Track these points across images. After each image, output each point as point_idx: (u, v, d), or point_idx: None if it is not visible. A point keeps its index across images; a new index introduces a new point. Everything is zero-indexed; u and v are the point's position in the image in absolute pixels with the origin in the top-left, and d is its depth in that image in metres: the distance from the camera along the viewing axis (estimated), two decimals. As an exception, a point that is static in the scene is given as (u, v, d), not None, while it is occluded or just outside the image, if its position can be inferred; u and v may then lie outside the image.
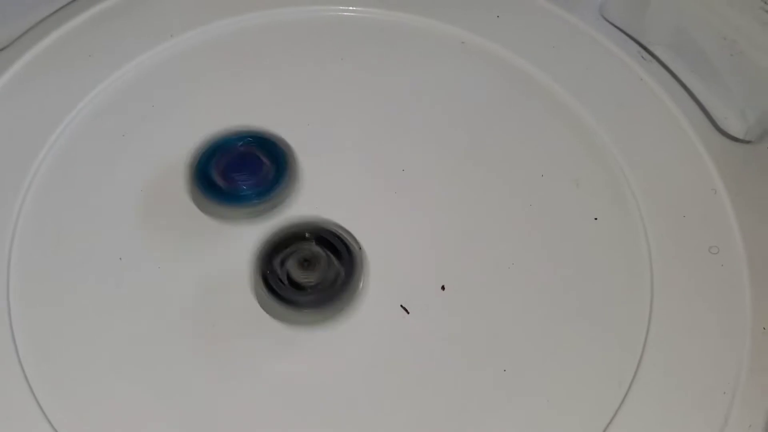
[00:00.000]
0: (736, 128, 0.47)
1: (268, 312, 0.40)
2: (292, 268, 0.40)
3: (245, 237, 0.41)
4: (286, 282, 0.40)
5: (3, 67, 0.46)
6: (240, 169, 0.43)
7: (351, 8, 0.50)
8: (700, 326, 0.40)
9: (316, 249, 0.41)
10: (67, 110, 0.45)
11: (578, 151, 0.46)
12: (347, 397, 0.39)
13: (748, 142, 0.46)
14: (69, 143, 0.44)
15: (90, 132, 0.45)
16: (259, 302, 0.40)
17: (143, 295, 0.40)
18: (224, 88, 0.47)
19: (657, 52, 0.49)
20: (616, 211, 0.44)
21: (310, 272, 0.40)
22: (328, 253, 0.41)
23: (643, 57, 0.48)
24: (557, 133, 0.46)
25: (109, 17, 0.48)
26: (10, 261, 0.41)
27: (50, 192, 0.43)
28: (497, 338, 0.40)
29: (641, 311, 0.41)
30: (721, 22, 0.49)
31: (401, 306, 0.41)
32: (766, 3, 0.47)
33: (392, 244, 0.43)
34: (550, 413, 0.38)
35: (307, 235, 0.41)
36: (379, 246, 0.42)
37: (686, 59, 0.50)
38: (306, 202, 0.43)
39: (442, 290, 0.41)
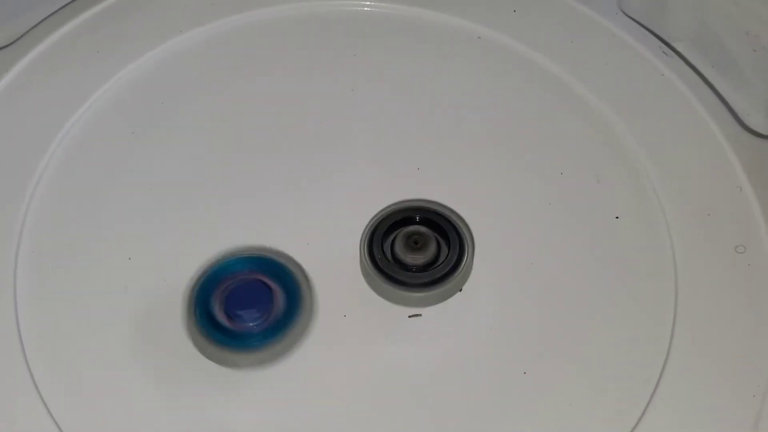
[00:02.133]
0: (760, 124, 0.46)
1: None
2: None
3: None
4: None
5: (10, 63, 0.45)
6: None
7: (366, 3, 0.49)
8: (727, 327, 0.39)
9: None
10: (76, 107, 0.44)
11: (598, 148, 0.44)
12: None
13: (773, 137, 0.45)
14: (77, 141, 0.44)
15: (98, 130, 0.44)
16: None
17: (149, 295, 0.40)
18: (235, 84, 0.46)
19: (678, 47, 0.48)
20: (638, 210, 0.43)
21: None
22: None
23: (664, 52, 0.47)
24: (576, 130, 0.45)
25: (117, 13, 0.47)
26: (17, 259, 0.40)
27: (58, 190, 0.42)
28: (517, 339, 0.39)
29: (666, 312, 0.40)
30: (744, 15, 0.47)
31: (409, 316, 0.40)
32: (790, -4, 0.46)
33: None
34: (574, 415, 0.37)
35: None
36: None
37: (708, 54, 0.48)
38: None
39: (459, 291, 0.40)
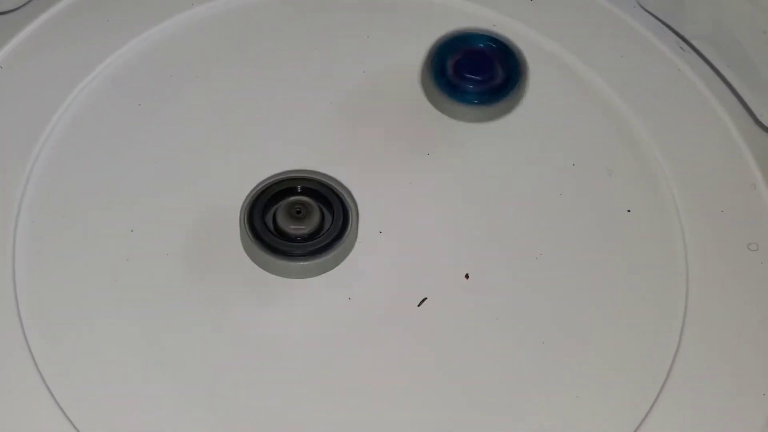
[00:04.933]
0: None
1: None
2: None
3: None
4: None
5: (16, 28, 0.44)
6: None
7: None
8: (738, 326, 0.39)
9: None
10: (82, 76, 0.43)
11: (612, 141, 0.44)
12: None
13: (788, 137, 0.44)
14: (82, 111, 0.43)
15: (104, 100, 0.43)
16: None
17: (152, 270, 0.39)
18: (243, 59, 0.45)
19: (695, 44, 0.47)
20: (650, 204, 0.42)
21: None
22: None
23: (681, 47, 0.46)
24: (590, 122, 0.45)
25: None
26: (16, 230, 0.39)
27: (60, 161, 0.41)
28: (523, 331, 0.39)
29: (676, 309, 0.39)
30: (761, 14, 0.47)
31: (420, 301, 0.39)
32: (810, -4, 0.45)
33: (415, 231, 0.41)
34: (581, 409, 0.37)
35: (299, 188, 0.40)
36: (402, 232, 0.41)
37: (723, 53, 0.48)
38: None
39: (466, 278, 0.40)
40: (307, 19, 0.47)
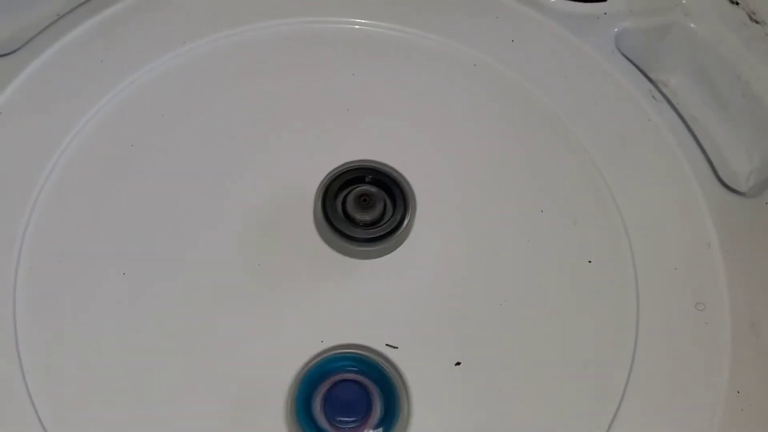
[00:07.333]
0: (737, 178, 0.48)
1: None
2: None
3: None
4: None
5: (12, 72, 0.46)
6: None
7: (363, 22, 0.49)
8: (678, 384, 0.41)
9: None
10: (77, 118, 0.45)
11: (579, 189, 0.46)
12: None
13: (748, 195, 0.46)
14: (78, 152, 0.45)
15: (99, 141, 0.45)
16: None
17: (147, 310, 0.42)
18: (235, 98, 0.47)
19: (668, 93, 0.49)
20: (610, 256, 0.44)
21: None
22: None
23: (653, 97, 0.48)
24: (561, 168, 0.47)
25: (120, 22, 0.48)
26: (17, 270, 0.42)
27: (58, 202, 0.44)
28: (474, 377, 0.41)
29: (623, 361, 0.42)
30: (737, 60, 0.48)
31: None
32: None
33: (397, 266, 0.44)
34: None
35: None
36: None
37: (699, 94, 0.50)
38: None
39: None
40: (294, 55, 0.48)
